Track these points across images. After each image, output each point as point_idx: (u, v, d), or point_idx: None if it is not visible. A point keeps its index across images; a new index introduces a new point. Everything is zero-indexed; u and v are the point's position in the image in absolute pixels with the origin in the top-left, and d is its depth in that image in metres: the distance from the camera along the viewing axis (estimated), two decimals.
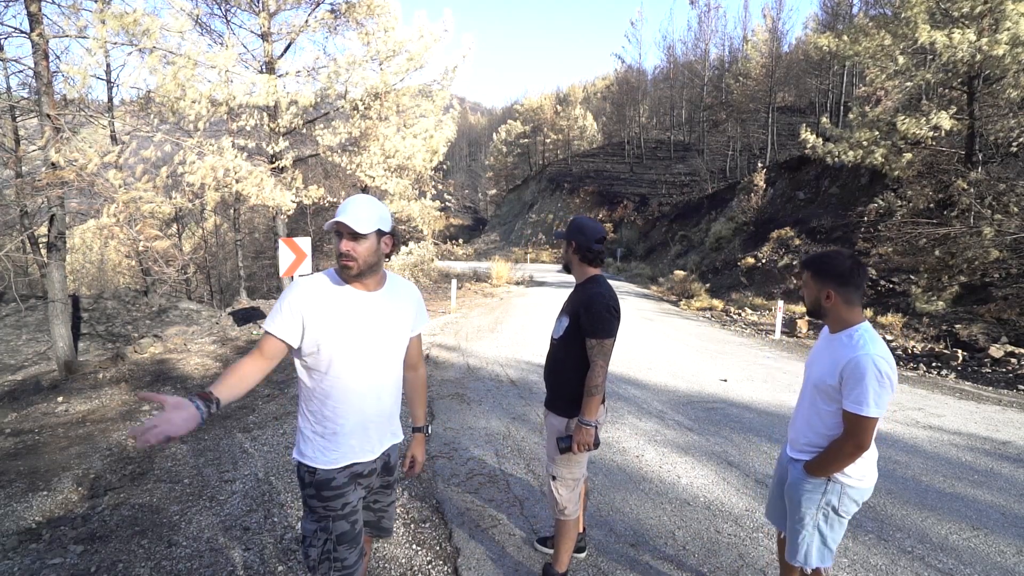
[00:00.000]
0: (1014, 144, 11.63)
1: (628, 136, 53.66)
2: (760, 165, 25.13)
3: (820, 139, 12.95)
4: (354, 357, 1.70)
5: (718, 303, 14.68)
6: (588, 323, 2.28)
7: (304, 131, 14.56)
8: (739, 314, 13.32)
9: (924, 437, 4.89)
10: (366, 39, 13.77)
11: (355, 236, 1.64)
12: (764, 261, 16.84)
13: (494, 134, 74.31)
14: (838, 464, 1.85)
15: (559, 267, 2.72)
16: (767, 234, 18.08)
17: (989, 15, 10.14)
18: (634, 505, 3.44)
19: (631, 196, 42.40)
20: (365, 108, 13.79)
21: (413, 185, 17.17)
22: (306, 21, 13.46)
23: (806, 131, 13.36)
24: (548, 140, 64.22)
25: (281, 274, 8.04)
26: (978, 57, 10.10)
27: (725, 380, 6.79)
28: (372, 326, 1.73)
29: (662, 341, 9.54)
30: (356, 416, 1.73)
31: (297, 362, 1.74)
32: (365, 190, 17.37)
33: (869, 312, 11.04)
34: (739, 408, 5.62)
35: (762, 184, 22.49)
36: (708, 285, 17.79)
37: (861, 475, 1.88)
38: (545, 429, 2.57)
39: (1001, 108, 11.55)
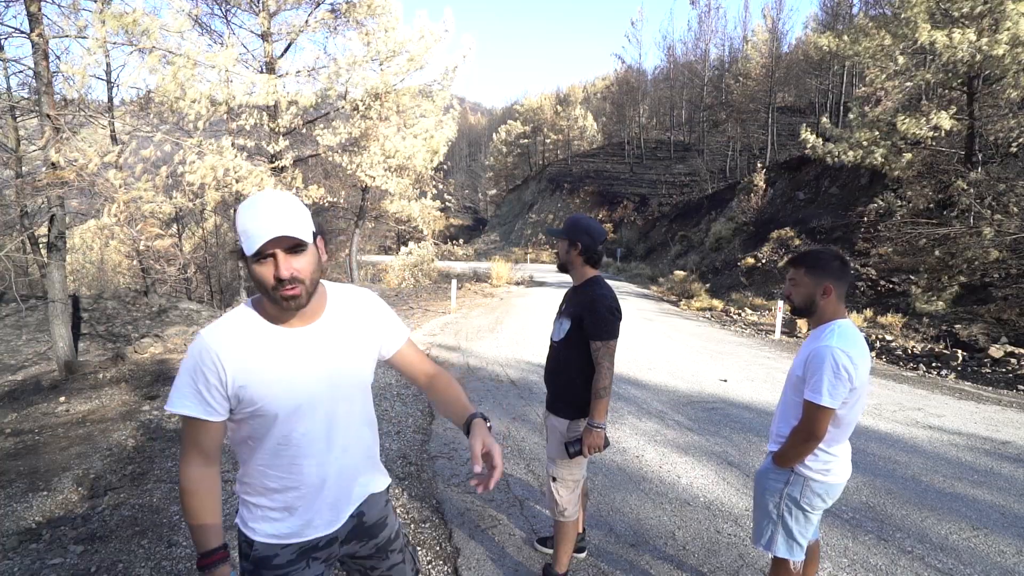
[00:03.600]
0: (1014, 144, 11.63)
1: (628, 136, 53.67)
2: (760, 165, 25.14)
3: (820, 139, 12.96)
4: (301, 416, 1.27)
5: (718, 303, 14.68)
6: (592, 326, 2.28)
7: (304, 131, 14.57)
8: (739, 314, 13.32)
9: (924, 437, 4.89)
10: (366, 39, 13.78)
11: (295, 249, 1.17)
12: (764, 261, 16.85)
13: (494, 134, 74.33)
14: (794, 453, 1.88)
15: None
16: (767, 234, 18.08)
17: (989, 15, 10.14)
18: (634, 505, 3.44)
19: (631, 196, 42.40)
20: (365, 108, 13.79)
21: (413, 185, 17.20)
22: (306, 21, 13.48)
23: (806, 131, 13.36)
24: (548, 140, 64.28)
25: None
26: (978, 57, 10.10)
27: (725, 380, 6.79)
28: (318, 371, 1.28)
29: (662, 341, 9.54)
30: (310, 484, 1.31)
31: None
32: (366, 190, 17.40)
33: (869, 312, 11.05)
34: (739, 408, 5.62)
35: (762, 184, 22.49)
36: (708, 285, 17.79)
37: (823, 468, 1.89)
38: (546, 430, 2.57)
39: (1001, 108, 11.55)
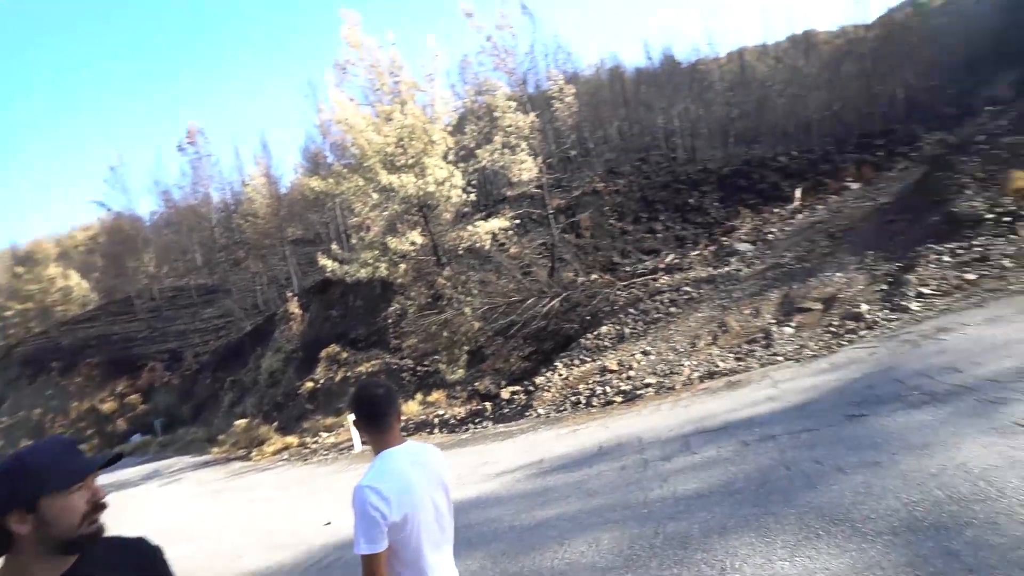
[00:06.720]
0: (460, 248, 16.31)
1: (136, 290, 45.91)
2: (290, 294, 26.05)
3: (336, 263, 14.59)
4: None
5: (292, 439, 13.90)
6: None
7: None
8: (316, 442, 12.97)
9: (497, 485, 5.81)
10: None
11: None
12: (322, 381, 17.23)
13: None
14: None
15: None
16: (316, 355, 18.66)
17: (418, 165, 14.08)
18: None
19: (157, 355, 36.05)
20: None
21: None
22: None
23: (323, 258, 14.80)
24: (10, 312, 47.51)
25: None
26: (420, 193, 13.78)
27: (329, 523, 6.22)
28: None
29: (243, 508, 8.10)
30: None
31: None
32: None
33: (420, 395, 12.82)
34: (349, 549, 5.26)
35: (298, 311, 23.27)
36: (276, 424, 16.65)
37: None
38: None
39: (444, 225, 16.04)
